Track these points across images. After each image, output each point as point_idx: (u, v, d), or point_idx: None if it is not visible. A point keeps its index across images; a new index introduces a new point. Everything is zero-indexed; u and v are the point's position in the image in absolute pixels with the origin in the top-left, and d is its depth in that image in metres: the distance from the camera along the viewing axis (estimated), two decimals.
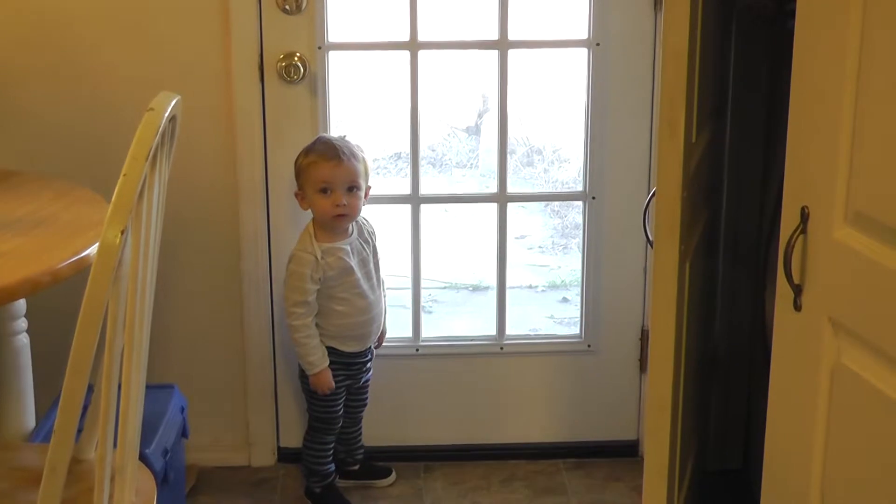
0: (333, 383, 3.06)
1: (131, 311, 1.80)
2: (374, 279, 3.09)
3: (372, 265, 3.08)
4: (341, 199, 2.94)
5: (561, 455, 3.44)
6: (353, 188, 2.96)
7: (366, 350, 3.12)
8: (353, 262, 3.01)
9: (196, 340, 3.30)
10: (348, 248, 3.02)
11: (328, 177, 2.94)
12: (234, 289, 3.26)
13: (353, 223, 3.05)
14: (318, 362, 3.03)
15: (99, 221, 1.65)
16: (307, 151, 2.99)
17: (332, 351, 3.06)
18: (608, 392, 3.43)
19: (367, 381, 3.19)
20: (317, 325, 3.03)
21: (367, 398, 3.23)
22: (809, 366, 1.66)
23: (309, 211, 3.02)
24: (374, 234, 3.12)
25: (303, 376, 3.10)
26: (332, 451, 3.17)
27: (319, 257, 2.97)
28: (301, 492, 3.22)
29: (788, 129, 1.68)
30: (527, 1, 3.21)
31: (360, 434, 3.27)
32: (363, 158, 3.02)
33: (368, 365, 3.16)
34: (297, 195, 3.02)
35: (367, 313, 3.06)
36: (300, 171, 2.99)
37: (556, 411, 3.44)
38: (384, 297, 3.16)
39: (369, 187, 3.04)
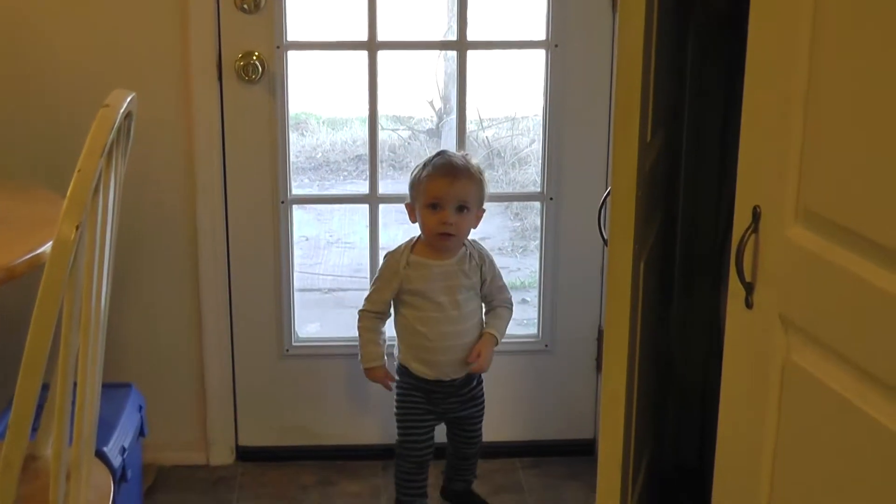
0: (388, 382, 3.01)
1: (87, 306, 1.80)
2: (462, 310, 2.95)
3: (463, 296, 2.94)
4: (448, 218, 2.86)
5: (518, 454, 3.46)
6: (462, 208, 2.88)
7: (444, 381, 2.97)
8: (435, 286, 2.92)
9: (153, 338, 3.30)
10: (438, 270, 2.93)
11: (440, 193, 2.87)
12: (192, 287, 3.26)
13: (463, 249, 2.97)
14: (367, 357, 2.98)
15: (55, 219, 1.65)
16: (425, 164, 2.92)
17: (404, 371, 2.99)
18: (565, 391, 3.45)
19: (462, 416, 3.05)
20: (399, 336, 3.00)
21: (472, 436, 3.09)
22: (760, 363, 1.67)
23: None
24: (482, 264, 2.98)
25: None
26: (412, 483, 3.07)
27: (403, 266, 2.92)
28: (259, 490, 3.23)
29: (741, 129, 1.70)
30: (486, 2, 3.22)
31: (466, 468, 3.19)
32: (481, 180, 2.94)
33: (454, 400, 3.01)
34: (407, 206, 2.97)
35: (438, 341, 2.94)
36: (415, 184, 2.91)
37: (514, 410, 3.46)
38: (489, 328, 3.01)
39: (483, 210, 2.96)
